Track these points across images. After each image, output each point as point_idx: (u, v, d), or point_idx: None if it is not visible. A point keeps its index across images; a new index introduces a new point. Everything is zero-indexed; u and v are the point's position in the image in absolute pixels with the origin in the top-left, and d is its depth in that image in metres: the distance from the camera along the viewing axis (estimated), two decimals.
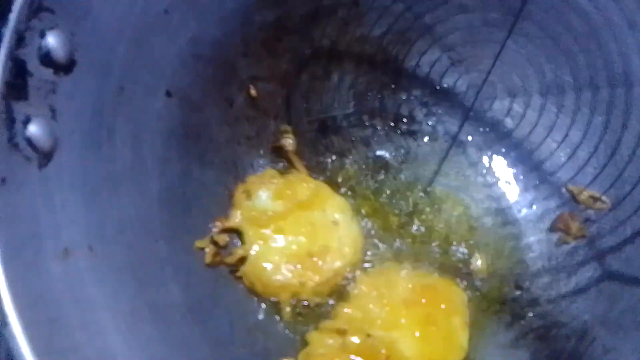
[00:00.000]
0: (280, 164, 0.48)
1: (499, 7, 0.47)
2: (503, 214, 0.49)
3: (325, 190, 0.46)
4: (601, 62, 0.44)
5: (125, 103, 0.36)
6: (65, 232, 0.30)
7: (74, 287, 0.29)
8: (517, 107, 0.50)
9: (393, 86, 0.51)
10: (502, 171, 0.51)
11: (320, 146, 0.51)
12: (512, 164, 0.51)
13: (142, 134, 0.38)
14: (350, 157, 0.51)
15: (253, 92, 0.47)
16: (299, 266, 0.42)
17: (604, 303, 0.42)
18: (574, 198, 0.47)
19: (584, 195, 0.46)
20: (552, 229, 0.47)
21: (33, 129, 0.28)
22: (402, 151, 0.51)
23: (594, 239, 0.45)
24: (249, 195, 0.44)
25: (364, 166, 0.51)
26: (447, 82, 0.51)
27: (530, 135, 0.50)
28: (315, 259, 0.43)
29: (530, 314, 0.45)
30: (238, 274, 0.42)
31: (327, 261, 0.43)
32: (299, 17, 0.47)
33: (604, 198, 0.45)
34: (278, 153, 0.48)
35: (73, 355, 0.28)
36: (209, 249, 0.41)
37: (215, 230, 0.43)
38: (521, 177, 0.50)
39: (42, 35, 0.29)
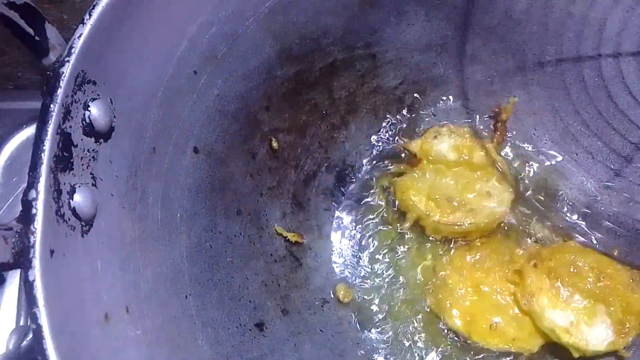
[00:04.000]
0: None
1: (510, 58, 0.48)
2: None
3: (495, 172, 0.49)
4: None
5: (157, 162, 0.37)
6: (105, 296, 0.30)
7: (115, 351, 0.30)
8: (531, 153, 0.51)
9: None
10: None
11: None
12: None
13: (172, 190, 0.39)
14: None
15: (275, 144, 0.48)
16: (432, 203, 0.48)
17: None
18: None
19: None
20: None
21: (78, 198, 0.29)
22: None
23: None
24: (437, 135, 0.50)
25: None
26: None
27: (547, 181, 0.51)
28: (455, 204, 0.47)
29: None
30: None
31: (460, 212, 0.47)
32: (318, 70, 0.49)
33: None
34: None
35: None
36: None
37: (399, 142, 0.52)
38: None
39: (86, 106, 0.30)
